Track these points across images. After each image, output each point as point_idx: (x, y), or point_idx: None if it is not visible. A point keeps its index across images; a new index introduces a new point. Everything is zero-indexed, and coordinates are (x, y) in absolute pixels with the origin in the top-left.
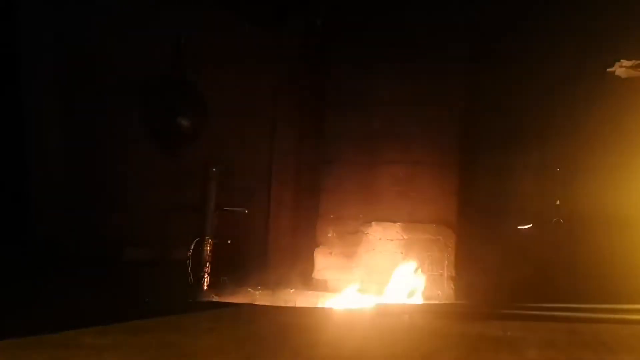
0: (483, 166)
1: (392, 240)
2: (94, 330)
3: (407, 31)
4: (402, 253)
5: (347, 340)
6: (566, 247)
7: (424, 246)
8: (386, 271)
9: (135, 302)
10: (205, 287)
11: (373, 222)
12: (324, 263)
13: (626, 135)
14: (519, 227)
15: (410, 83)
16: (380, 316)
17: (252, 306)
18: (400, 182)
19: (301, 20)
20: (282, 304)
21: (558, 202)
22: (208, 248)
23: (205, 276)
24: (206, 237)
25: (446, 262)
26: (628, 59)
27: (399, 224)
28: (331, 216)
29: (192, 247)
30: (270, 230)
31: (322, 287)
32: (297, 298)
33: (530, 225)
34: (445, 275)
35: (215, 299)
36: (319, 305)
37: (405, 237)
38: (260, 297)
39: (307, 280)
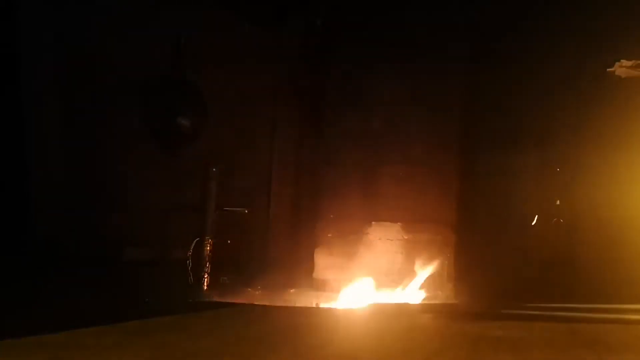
0: (483, 166)
1: (392, 240)
2: (94, 330)
3: (407, 31)
4: (402, 253)
5: (347, 340)
6: (566, 247)
7: (424, 246)
8: (386, 271)
9: (135, 302)
10: (205, 287)
11: (373, 222)
12: (324, 263)
13: (626, 135)
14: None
15: (410, 83)
16: (380, 316)
17: (252, 306)
18: (400, 182)
19: (301, 20)
20: (282, 304)
21: (558, 202)
22: (208, 248)
23: (205, 276)
24: (206, 237)
25: (446, 262)
26: (628, 59)
27: (399, 224)
28: (331, 216)
29: (192, 247)
30: (270, 230)
31: (322, 287)
32: (297, 298)
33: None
34: (445, 275)
35: (215, 299)
36: (319, 305)
37: (405, 237)
38: (260, 297)
39: (307, 280)
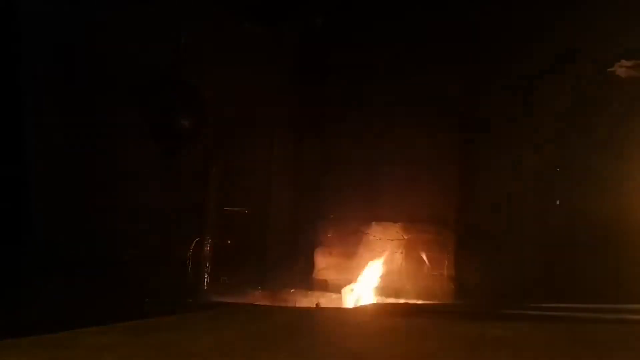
0: (483, 166)
1: (392, 240)
2: (94, 330)
3: (407, 31)
4: (402, 253)
5: (347, 340)
6: (566, 247)
7: (424, 246)
8: (386, 271)
9: (135, 302)
10: (205, 287)
11: (373, 222)
12: (324, 263)
13: (626, 134)
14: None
15: (410, 83)
16: (380, 316)
17: (252, 306)
18: (400, 182)
19: (301, 20)
20: (282, 304)
21: (558, 202)
22: (208, 248)
23: (205, 276)
24: (206, 237)
25: (446, 262)
26: (628, 59)
27: (399, 224)
28: (331, 216)
29: (192, 247)
30: (270, 230)
31: (322, 287)
32: (297, 298)
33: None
34: (445, 275)
35: (215, 299)
36: (319, 305)
37: (405, 237)
38: (260, 297)
39: (307, 280)
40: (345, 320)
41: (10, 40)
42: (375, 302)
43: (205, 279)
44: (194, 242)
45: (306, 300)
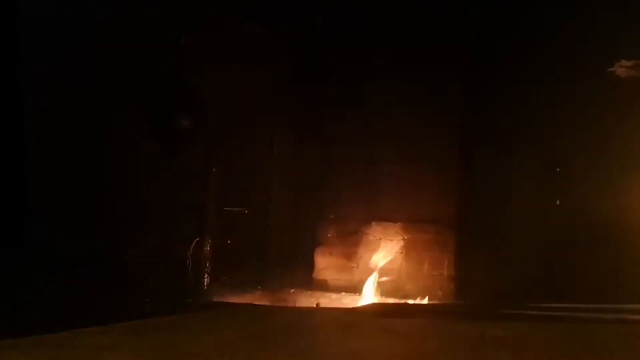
0: (483, 166)
1: (392, 240)
2: (94, 330)
3: (407, 31)
4: (402, 253)
5: (347, 340)
6: (566, 247)
7: (424, 246)
8: (386, 271)
9: (135, 302)
10: (205, 287)
11: (373, 222)
12: (324, 263)
13: (626, 134)
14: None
15: (410, 83)
16: (380, 316)
17: (252, 306)
18: (400, 182)
19: (301, 20)
20: (282, 304)
21: (558, 202)
22: (208, 248)
23: (205, 276)
24: (206, 237)
25: (446, 262)
26: (628, 59)
27: (399, 224)
28: (331, 216)
29: (192, 247)
30: (270, 230)
31: (322, 287)
32: (297, 298)
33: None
34: (445, 275)
35: (215, 299)
36: (319, 305)
37: (405, 237)
38: (260, 297)
39: (307, 280)
40: (345, 320)
41: (10, 40)
42: (375, 302)
43: (205, 279)
44: (194, 242)
45: (306, 300)
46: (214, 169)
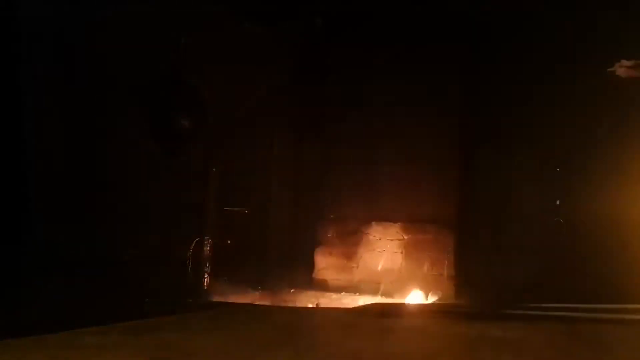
0: (483, 166)
1: (392, 240)
2: (94, 330)
3: (407, 31)
4: (402, 253)
5: (347, 340)
6: (566, 247)
7: (424, 246)
8: (386, 271)
9: (135, 302)
10: (205, 287)
11: (373, 222)
12: (324, 263)
13: (626, 134)
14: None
15: (410, 83)
16: (380, 316)
17: (252, 306)
18: (400, 182)
19: (301, 20)
20: (282, 304)
21: (558, 202)
22: (208, 248)
23: (205, 276)
24: (206, 237)
25: (446, 262)
26: (628, 59)
27: (399, 224)
28: (331, 216)
29: (192, 247)
30: (270, 230)
31: (322, 287)
32: (297, 298)
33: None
34: (445, 275)
35: (215, 299)
36: (319, 305)
37: (405, 237)
38: (260, 297)
39: (307, 280)
40: (345, 320)
41: (10, 40)
42: (375, 302)
43: (205, 279)
44: (194, 242)
45: (306, 300)
46: (214, 169)
